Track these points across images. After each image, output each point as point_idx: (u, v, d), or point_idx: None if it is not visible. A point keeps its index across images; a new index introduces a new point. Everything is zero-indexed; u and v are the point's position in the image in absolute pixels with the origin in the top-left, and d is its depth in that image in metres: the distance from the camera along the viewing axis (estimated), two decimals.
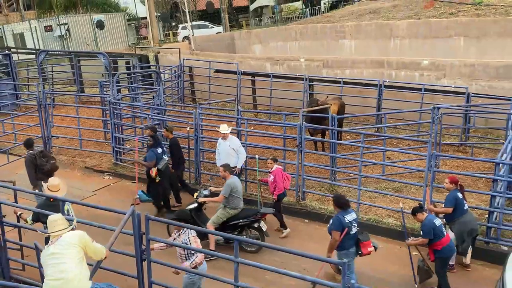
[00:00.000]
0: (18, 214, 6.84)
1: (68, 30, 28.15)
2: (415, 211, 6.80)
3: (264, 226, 8.18)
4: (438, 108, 10.36)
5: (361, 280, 6.69)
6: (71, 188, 8.75)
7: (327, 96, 12.49)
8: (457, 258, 7.29)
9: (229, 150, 9.20)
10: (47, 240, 5.70)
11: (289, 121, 11.79)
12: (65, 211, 6.24)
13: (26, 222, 6.71)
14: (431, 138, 9.48)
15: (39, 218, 6.52)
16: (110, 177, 11.23)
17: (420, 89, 13.14)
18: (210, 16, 43.15)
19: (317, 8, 38.70)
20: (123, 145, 11.72)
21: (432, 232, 6.49)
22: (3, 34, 30.00)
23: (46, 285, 4.47)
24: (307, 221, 9.24)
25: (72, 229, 4.81)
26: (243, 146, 10.18)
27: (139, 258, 5.39)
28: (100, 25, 29.39)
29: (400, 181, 9.67)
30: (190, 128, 10.13)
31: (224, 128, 9.31)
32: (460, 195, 7.21)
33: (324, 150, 11.67)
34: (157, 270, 5.62)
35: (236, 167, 9.17)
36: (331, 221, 6.65)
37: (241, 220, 8.08)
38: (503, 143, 9.43)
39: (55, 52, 22.21)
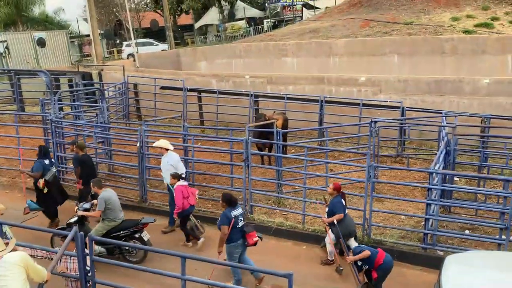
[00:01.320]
0: None
1: (7, 47, 27.12)
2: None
3: (146, 236, 8.29)
4: (376, 121, 10.91)
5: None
6: (11, 209, 8.49)
7: (274, 111, 12.83)
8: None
9: (167, 166, 9.18)
10: None
11: (236, 136, 11.99)
12: (4, 232, 6.07)
13: None
14: (370, 150, 9.96)
15: None
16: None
17: (358, 104, 13.78)
18: (155, 33, 42.99)
19: (260, 27, 39.59)
20: (65, 164, 11.46)
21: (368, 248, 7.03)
22: None
23: None
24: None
25: (11, 250, 4.67)
26: (190, 162, 10.27)
27: (83, 280, 5.33)
28: (41, 42, 28.54)
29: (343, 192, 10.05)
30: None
31: (158, 144, 9.38)
32: (343, 200, 8.03)
33: (270, 164, 11.95)
34: None
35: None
36: (219, 218, 7.34)
37: (121, 232, 8.17)
38: (436, 154, 10.07)
39: None
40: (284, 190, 10.47)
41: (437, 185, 8.27)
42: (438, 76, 15.27)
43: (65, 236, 5.75)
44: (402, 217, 9.43)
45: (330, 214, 7.99)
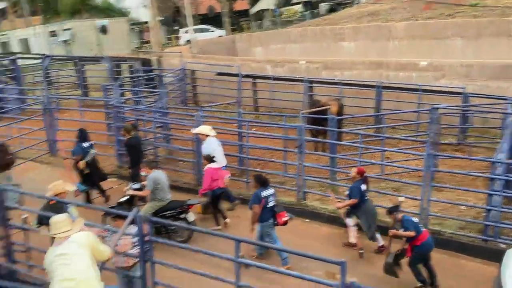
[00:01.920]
0: (23, 217, 7.06)
1: (72, 35, 28.44)
2: (391, 211, 7.17)
3: (191, 217, 8.43)
4: (436, 108, 10.53)
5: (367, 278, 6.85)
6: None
7: (330, 98, 12.68)
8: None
9: (205, 152, 9.41)
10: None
11: (290, 122, 11.96)
12: (70, 213, 6.42)
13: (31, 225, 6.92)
14: (430, 138, 9.65)
15: (42, 221, 6.69)
16: (114, 180, 11.42)
17: (417, 90, 13.31)
18: (212, 19, 43.40)
19: (316, 11, 38.90)
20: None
21: (413, 227, 6.84)
22: (9, 39, 30.31)
23: (58, 285, 4.37)
24: (307, 220, 9.40)
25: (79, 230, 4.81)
26: (245, 147, 10.42)
27: (142, 259, 5.56)
28: (103, 30, 29.69)
29: (399, 181, 9.83)
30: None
31: (198, 130, 9.65)
32: (364, 186, 7.90)
33: (324, 150, 11.85)
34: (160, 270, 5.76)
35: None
36: (251, 198, 7.60)
37: (168, 212, 8.34)
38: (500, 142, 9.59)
39: (59, 57, 22.44)
40: (338, 177, 10.37)
41: (500, 175, 7.89)
42: (504, 60, 14.42)
43: (117, 216, 6.05)
44: (462, 207, 9.08)
45: (350, 197, 7.96)
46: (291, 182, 10.28)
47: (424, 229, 7.09)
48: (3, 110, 14.27)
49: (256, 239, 7.56)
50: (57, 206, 6.51)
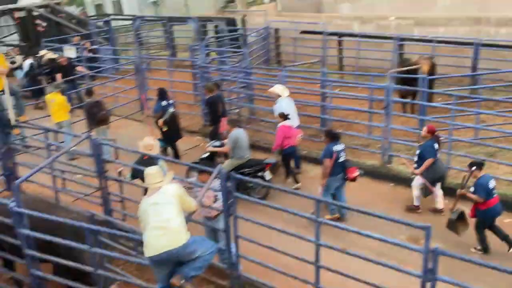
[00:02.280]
0: (118, 171, 7.57)
1: None
2: (473, 165, 6.90)
3: (268, 176, 8.59)
4: None
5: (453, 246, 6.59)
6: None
7: (421, 56, 11.95)
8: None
9: (276, 112, 9.40)
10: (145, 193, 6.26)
11: (377, 82, 11.47)
12: (161, 167, 6.76)
13: (126, 178, 7.42)
14: None
15: (136, 174, 7.12)
16: (200, 138, 11.82)
17: None
18: None
19: None
20: None
21: (485, 192, 6.68)
22: (103, 1, 31.82)
23: (149, 232, 4.64)
24: (392, 184, 9.17)
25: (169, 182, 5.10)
26: (328, 108, 10.25)
27: (226, 213, 5.75)
28: None
29: (495, 146, 9.16)
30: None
31: (272, 89, 9.71)
32: (436, 145, 7.81)
33: (413, 112, 11.28)
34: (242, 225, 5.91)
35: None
36: (322, 152, 7.78)
37: (246, 170, 8.49)
38: None
39: (149, 18, 23.22)
40: None
41: None
42: None
43: (201, 171, 6.27)
44: None
45: (421, 157, 7.75)
46: (376, 144, 9.98)
47: (496, 195, 6.84)
48: (98, 70, 15.19)
49: (322, 193, 7.75)
50: (149, 160, 6.88)
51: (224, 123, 9.94)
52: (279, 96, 9.61)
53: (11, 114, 9.33)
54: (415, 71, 10.54)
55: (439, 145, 7.92)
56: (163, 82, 12.80)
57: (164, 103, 10.31)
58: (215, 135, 9.99)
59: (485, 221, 6.85)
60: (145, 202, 4.83)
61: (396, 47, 14.11)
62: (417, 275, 4.55)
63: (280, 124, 9.04)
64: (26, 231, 5.48)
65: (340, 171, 7.72)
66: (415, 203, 8.11)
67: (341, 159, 7.69)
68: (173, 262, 4.78)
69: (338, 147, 7.68)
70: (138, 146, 7.42)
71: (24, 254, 5.62)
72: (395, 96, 10.56)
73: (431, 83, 11.11)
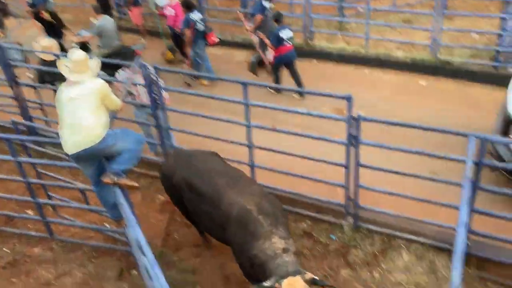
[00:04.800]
0: (30, 76, 7.05)
1: None
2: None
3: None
4: None
5: (374, 112, 6.93)
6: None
7: None
8: None
9: None
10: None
11: None
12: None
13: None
14: None
15: (43, 79, 6.74)
16: None
17: None
18: None
19: None
20: None
21: (276, 40, 7.79)
22: None
23: (64, 130, 4.36)
24: (315, 61, 9.29)
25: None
26: None
27: (154, 107, 5.62)
28: None
29: (410, 11, 9.38)
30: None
31: None
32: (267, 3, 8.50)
33: None
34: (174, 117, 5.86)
35: None
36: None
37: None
38: None
39: None
40: (346, 13, 9.91)
41: None
42: None
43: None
44: (474, 35, 8.80)
45: (251, 16, 8.78)
46: (297, 21, 9.88)
47: (289, 45, 7.84)
48: None
49: (192, 63, 8.50)
50: (53, 62, 6.35)
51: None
52: None
53: None
54: None
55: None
56: None
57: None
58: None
59: (277, 64, 8.03)
60: (63, 95, 4.29)
61: None
62: (341, 142, 4.78)
63: (176, 0, 9.00)
64: None
65: (200, 37, 8.38)
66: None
67: (199, 28, 8.26)
68: (97, 159, 4.57)
69: (194, 16, 8.17)
70: (34, 48, 6.91)
71: None
72: None
73: None
